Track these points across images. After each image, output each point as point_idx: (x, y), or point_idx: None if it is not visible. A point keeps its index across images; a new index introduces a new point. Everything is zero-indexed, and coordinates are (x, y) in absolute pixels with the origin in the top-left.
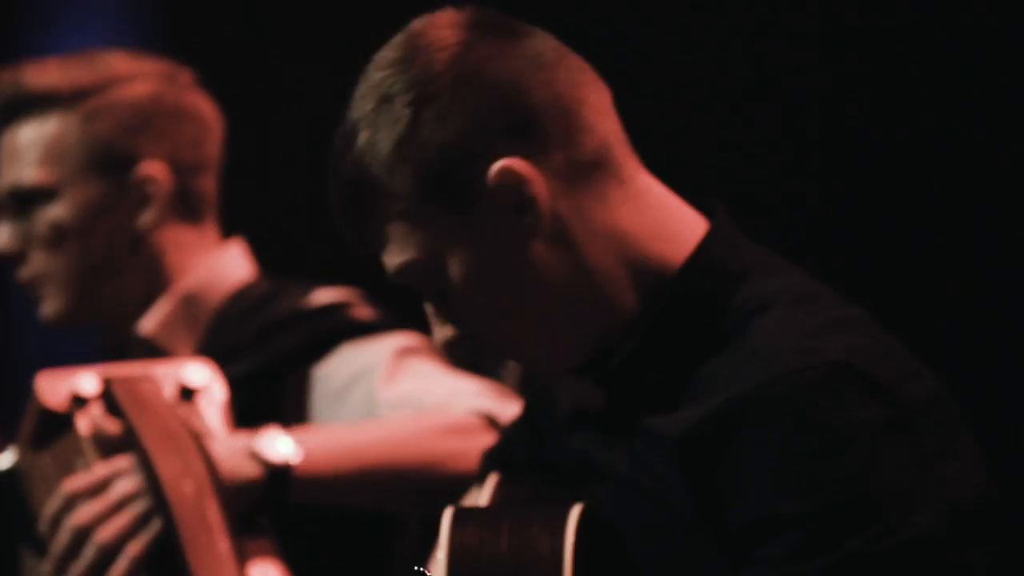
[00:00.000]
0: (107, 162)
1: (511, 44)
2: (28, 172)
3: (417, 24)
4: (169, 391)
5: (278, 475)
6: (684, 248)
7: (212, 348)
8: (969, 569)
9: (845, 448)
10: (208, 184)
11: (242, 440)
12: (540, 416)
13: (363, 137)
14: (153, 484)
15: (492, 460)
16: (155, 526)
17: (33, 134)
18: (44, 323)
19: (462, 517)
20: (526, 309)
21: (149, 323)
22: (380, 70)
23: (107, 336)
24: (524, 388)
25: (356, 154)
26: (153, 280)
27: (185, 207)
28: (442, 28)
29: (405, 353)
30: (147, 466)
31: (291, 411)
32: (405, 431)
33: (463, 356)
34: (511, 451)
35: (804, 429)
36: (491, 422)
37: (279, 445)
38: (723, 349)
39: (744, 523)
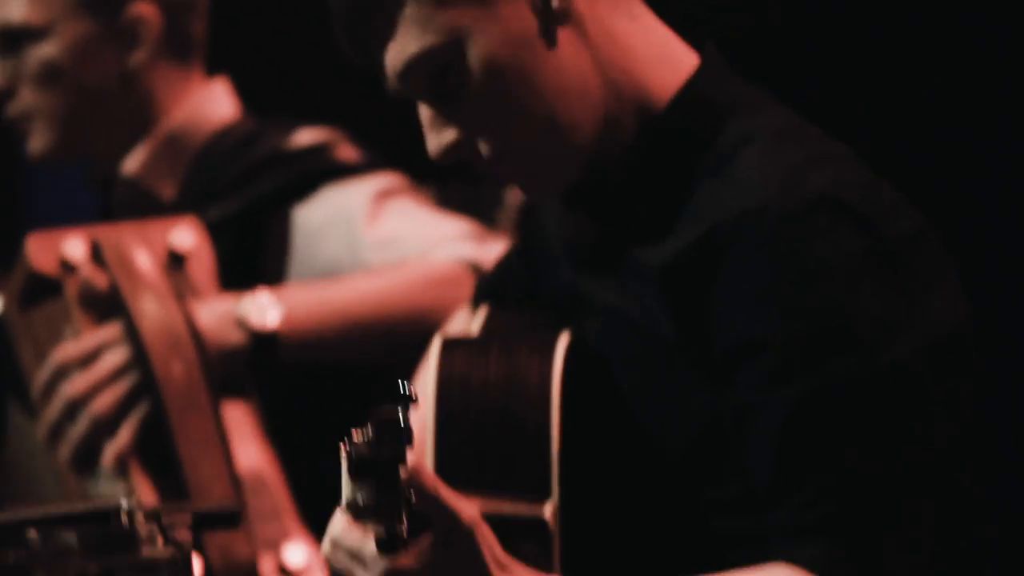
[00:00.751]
0: (98, 2)
1: None
2: (18, 11)
3: None
4: (158, 254)
5: (263, 340)
6: (677, 78)
7: (194, 188)
8: (945, 401)
9: (827, 277)
10: (197, 26)
11: (227, 305)
12: (533, 249)
13: None
14: (142, 360)
15: (484, 291)
16: (144, 404)
17: None
18: (31, 159)
19: (451, 345)
20: (535, 104)
21: (133, 163)
22: None
23: (92, 173)
24: (517, 231)
25: None
26: (139, 119)
27: (174, 48)
28: None
29: (388, 194)
30: (136, 341)
31: (272, 253)
32: (388, 284)
33: (456, 165)
34: (504, 283)
35: (786, 257)
36: (475, 269)
37: (263, 309)
38: (710, 181)
39: (725, 348)
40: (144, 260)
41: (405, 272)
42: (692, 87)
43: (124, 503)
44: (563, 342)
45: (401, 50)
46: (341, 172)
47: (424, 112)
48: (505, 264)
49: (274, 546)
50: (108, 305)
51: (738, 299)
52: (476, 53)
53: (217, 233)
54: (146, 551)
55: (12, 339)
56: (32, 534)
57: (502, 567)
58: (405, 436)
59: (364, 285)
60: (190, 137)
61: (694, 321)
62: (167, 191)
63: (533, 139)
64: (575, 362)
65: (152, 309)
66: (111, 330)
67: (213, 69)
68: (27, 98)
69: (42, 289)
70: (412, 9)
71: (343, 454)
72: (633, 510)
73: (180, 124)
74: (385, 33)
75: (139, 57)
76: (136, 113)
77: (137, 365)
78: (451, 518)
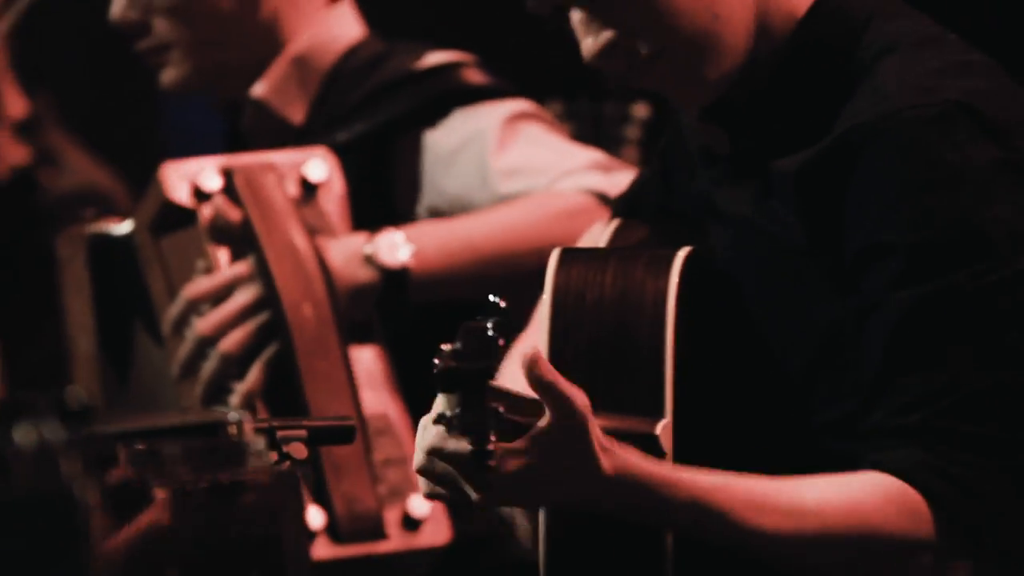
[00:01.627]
0: None
1: None
2: None
3: None
4: (291, 186)
5: (394, 276)
6: None
7: (323, 110)
8: None
9: (958, 184)
10: None
11: (357, 243)
12: (671, 161)
13: None
14: (273, 302)
15: (620, 206)
16: (274, 345)
17: None
18: (164, 89)
19: (568, 258)
20: (695, 2)
21: (262, 86)
22: None
23: (222, 98)
24: (656, 145)
25: None
26: (268, 43)
27: None
28: None
29: (518, 119)
30: (268, 281)
31: (402, 176)
32: (517, 218)
33: (610, 74)
34: (640, 198)
35: (918, 162)
36: (603, 200)
37: (393, 246)
38: (849, 90)
39: (854, 252)
40: (277, 193)
41: (533, 205)
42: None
43: (233, 416)
44: (680, 257)
45: None
46: (471, 95)
47: (576, 16)
48: (642, 179)
49: (400, 494)
50: (240, 238)
51: (869, 202)
52: None
53: (346, 156)
54: (254, 464)
55: (142, 264)
56: (140, 446)
57: (605, 450)
58: (494, 349)
59: (492, 220)
60: (318, 59)
61: (826, 225)
62: (296, 114)
63: (693, 37)
64: (694, 278)
65: (284, 248)
66: (243, 266)
67: None
68: (161, 30)
69: (175, 218)
70: None
71: (433, 367)
72: (746, 429)
73: (308, 46)
74: None
75: None
76: (264, 37)
77: (268, 304)
78: (566, 404)
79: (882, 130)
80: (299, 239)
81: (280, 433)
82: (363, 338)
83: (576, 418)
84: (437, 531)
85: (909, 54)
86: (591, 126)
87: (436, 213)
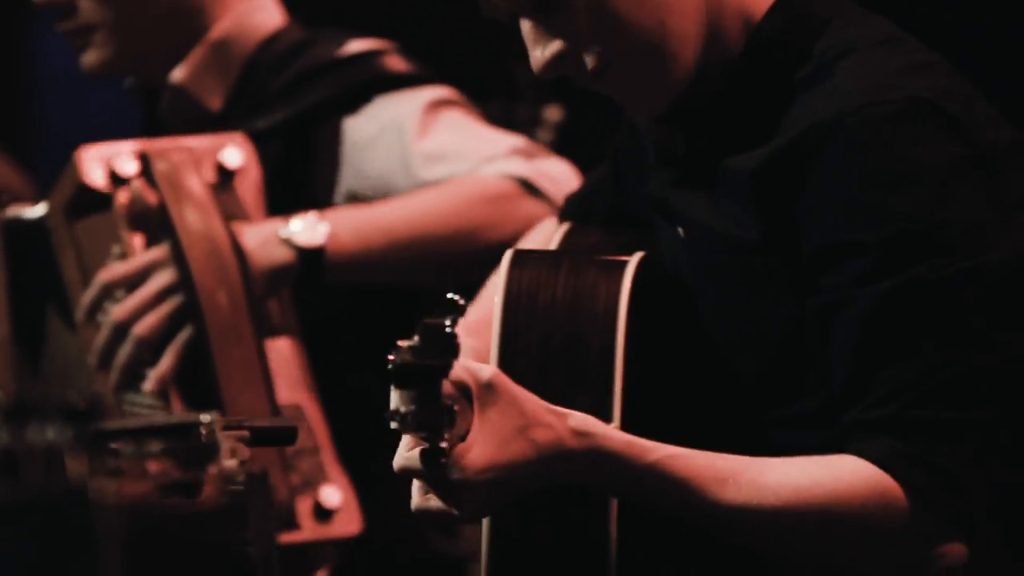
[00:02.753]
0: None
1: None
2: None
3: None
4: (207, 172)
5: (310, 256)
6: None
7: (242, 97)
8: None
9: (919, 180)
10: None
11: (273, 226)
12: (623, 163)
13: None
14: (188, 287)
15: (570, 207)
16: (188, 330)
17: None
18: (86, 72)
19: (522, 258)
20: (644, 8)
21: (181, 71)
22: None
23: (139, 83)
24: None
25: None
26: (189, 28)
27: None
28: None
29: (439, 105)
30: (182, 266)
31: (322, 163)
32: (437, 203)
33: (557, 80)
34: (591, 199)
35: (878, 159)
36: (526, 186)
37: (310, 227)
38: (808, 90)
39: (813, 250)
40: (193, 178)
41: (454, 190)
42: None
43: (204, 417)
44: (634, 261)
45: None
46: (392, 83)
47: (526, 26)
48: (594, 179)
49: (312, 484)
50: (156, 223)
51: (829, 200)
52: None
53: (265, 142)
54: (226, 463)
55: (56, 247)
56: (119, 445)
57: (559, 414)
58: (451, 346)
59: (410, 204)
60: (238, 45)
61: (782, 223)
62: (215, 100)
63: (642, 46)
64: (646, 282)
65: (199, 233)
66: (159, 251)
67: None
68: (86, 12)
69: (90, 202)
70: None
71: (389, 362)
72: (697, 432)
73: (228, 32)
74: None
75: None
76: (188, 23)
77: (182, 288)
78: (481, 383)
79: (841, 127)
80: (214, 224)
81: (222, 433)
82: (277, 327)
83: (495, 389)
84: (349, 521)
85: (868, 53)
86: (503, 128)
87: (356, 198)
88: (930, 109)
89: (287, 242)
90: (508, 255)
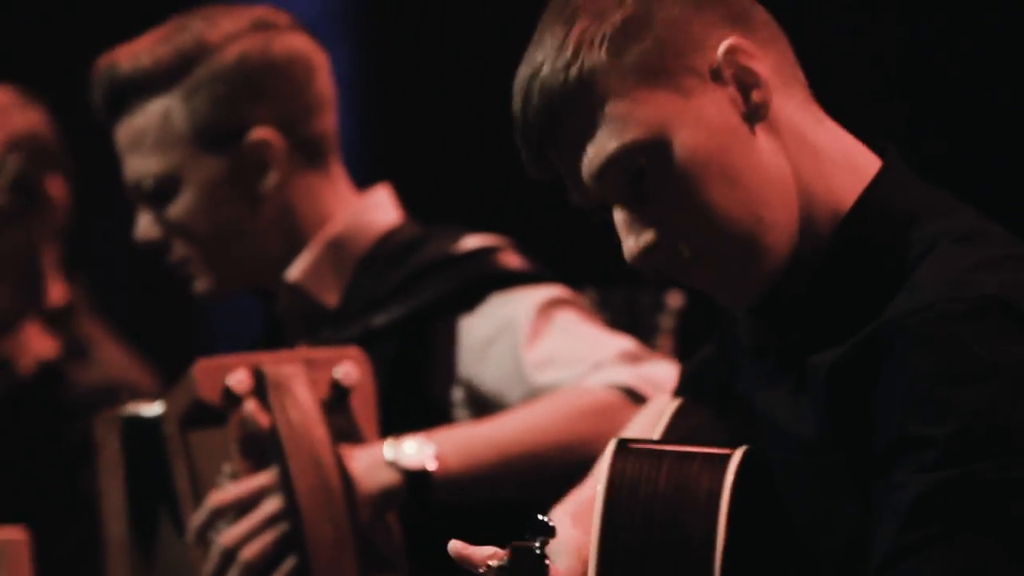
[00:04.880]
0: (215, 137)
1: None
2: (146, 165)
3: None
4: (321, 388)
5: (417, 478)
6: (861, 184)
7: (358, 294)
8: None
9: (987, 378)
10: (322, 124)
11: (379, 449)
12: (729, 344)
13: (578, 26)
14: (294, 517)
15: (683, 382)
16: (291, 559)
17: (140, 123)
18: (198, 299)
19: (625, 449)
20: (739, 199)
21: (296, 270)
22: None
23: (257, 289)
24: (675, 351)
25: (567, 41)
26: (292, 234)
27: (305, 156)
28: None
29: (552, 306)
30: (290, 495)
31: (437, 361)
32: (543, 418)
33: (650, 273)
34: (702, 376)
35: (948, 355)
36: (631, 396)
37: (416, 451)
38: (886, 290)
39: (882, 447)
40: (307, 400)
41: (560, 403)
42: (874, 193)
43: None
44: (737, 457)
45: (600, 149)
46: (507, 280)
47: (619, 215)
48: (704, 355)
49: None
50: (268, 443)
51: (898, 395)
52: (680, 146)
53: (382, 339)
54: None
55: (170, 454)
56: None
57: None
58: (540, 569)
59: (517, 420)
60: (354, 243)
61: (853, 421)
62: (331, 297)
63: (736, 237)
64: (748, 478)
65: (308, 462)
66: (268, 476)
67: (377, 176)
68: (178, 246)
69: (204, 415)
70: (612, 106)
71: None
72: None
73: (343, 231)
74: (580, 136)
75: (272, 180)
76: (286, 231)
77: (289, 517)
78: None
79: (912, 324)
80: (324, 453)
81: None
82: (383, 556)
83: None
84: None
85: (947, 250)
86: (626, 314)
87: (473, 401)
88: (1002, 307)
89: (393, 464)
90: (612, 444)
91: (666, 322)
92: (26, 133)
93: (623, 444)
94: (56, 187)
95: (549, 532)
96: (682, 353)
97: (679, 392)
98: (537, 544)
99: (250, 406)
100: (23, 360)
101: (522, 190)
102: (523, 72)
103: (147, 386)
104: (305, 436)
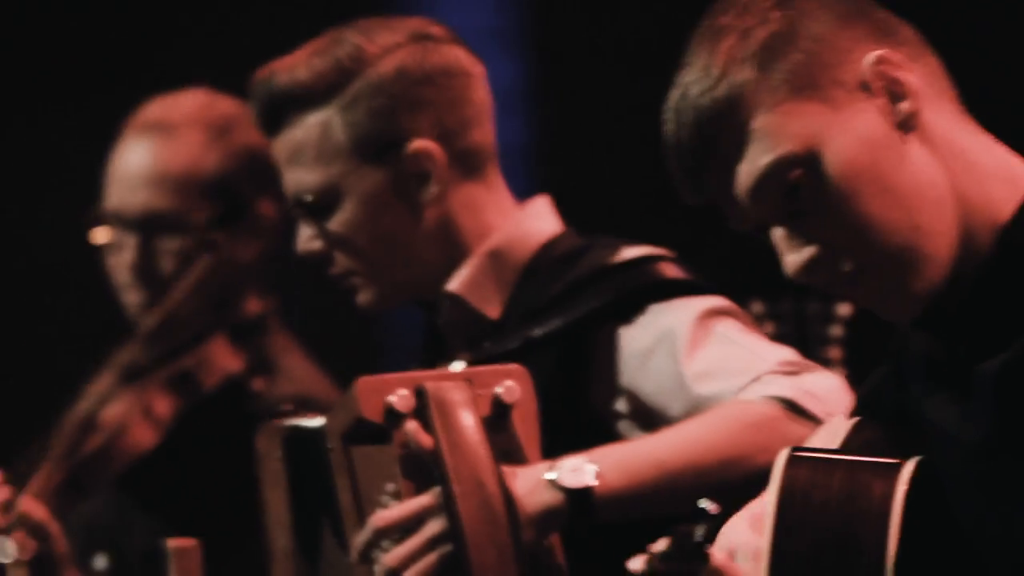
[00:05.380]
0: (375, 149)
1: None
2: (306, 178)
3: None
4: (483, 406)
5: (579, 497)
6: (1016, 194)
7: (520, 304)
8: None
9: None
10: (480, 135)
11: (541, 470)
12: (901, 361)
13: (724, 45)
14: (458, 540)
15: (859, 403)
16: None
17: (299, 137)
18: (363, 310)
19: (797, 459)
20: (897, 209)
21: (457, 281)
22: None
23: (419, 300)
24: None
25: (714, 60)
26: (452, 245)
27: (464, 166)
28: None
29: (710, 316)
30: (453, 518)
31: (597, 371)
32: (704, 432)
33: (814, 286)
34: (878, 395)
35: None
36: (792, 408)
37: (577, 470)
38: None
39: None
40: (469, 419)
41: (720, 416)
42: None
43: None
44: (910, 466)
45: (753, 166)
46: (666, 290)
47: (777, 233)
48: (880, 374)
49: None
50: (430, 464)
51: None
52: (832, 157)
53: (542, 350)
54: None
55: (332, 468)
56: None
57: None
58: (699, 555)
59: (678, 435)
60: (515, 253)
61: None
62: (493, 309)
63: (896, 247)
64: (920, 487)
65: (471, 485)
66: (431, 497)
67: (543, 189)
68: (341, 259)
69: (367, 432)
70: (762, 121)
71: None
72: None
73: (504, 241)
74: (732, 154)
75: (433, 191)
76: (447, 242)
77: (452, 540)
78: None
79: None
80: (487, 474)
81: None
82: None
83: None
84: None
85: None
86: (795, 325)
87: (636, 412)
88: None
89: (554, 484)
90: (783, 455)
91: (835, 332)
92: (247, 151)
93: (795, 452)
94: (266, 207)
95: (709, 518)
96: (852, 362)
97: (855, 413)
98: (699, 530)
99: (412, 426)
100: (208, 374)
101: (687, 203)
102: (673, 96)
103: (328, 394)
104: (468, 458)
